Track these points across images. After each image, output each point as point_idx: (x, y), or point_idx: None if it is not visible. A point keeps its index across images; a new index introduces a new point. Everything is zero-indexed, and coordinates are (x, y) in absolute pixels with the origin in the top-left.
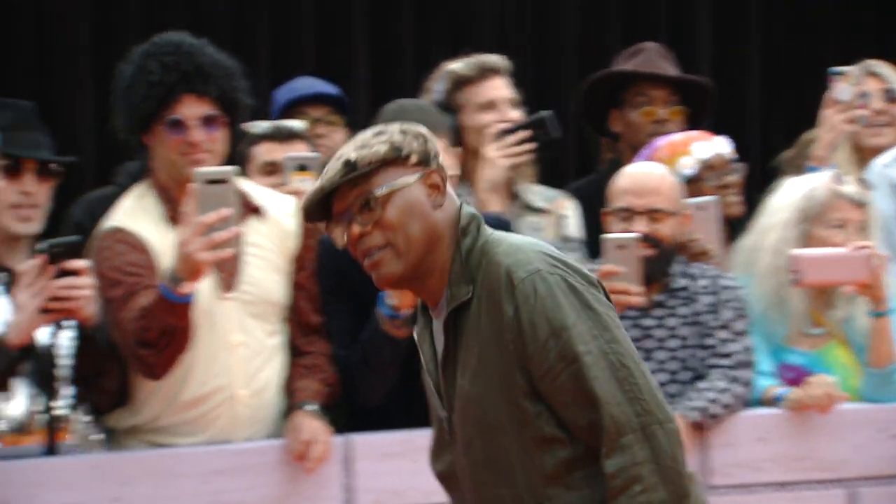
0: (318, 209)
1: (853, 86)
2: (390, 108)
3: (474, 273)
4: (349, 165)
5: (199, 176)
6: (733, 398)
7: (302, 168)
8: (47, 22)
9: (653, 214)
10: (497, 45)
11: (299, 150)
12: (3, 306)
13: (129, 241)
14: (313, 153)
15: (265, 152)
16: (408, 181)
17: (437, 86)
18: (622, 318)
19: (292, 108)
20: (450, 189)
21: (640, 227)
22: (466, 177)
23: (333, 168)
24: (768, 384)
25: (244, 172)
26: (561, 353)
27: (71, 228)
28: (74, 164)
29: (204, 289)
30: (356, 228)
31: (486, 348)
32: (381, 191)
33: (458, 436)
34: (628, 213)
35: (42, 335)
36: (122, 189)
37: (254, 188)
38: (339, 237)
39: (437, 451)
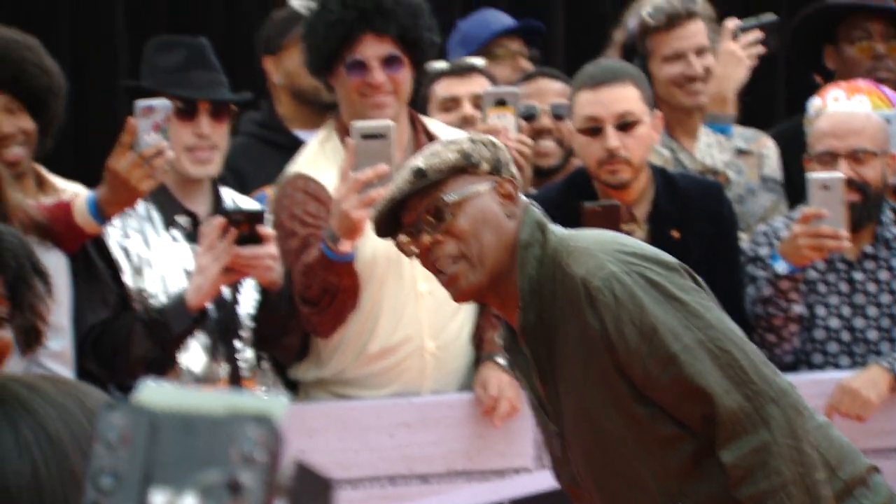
0: (388, 221)
1: None
2: (587, 71)
3: (549, 286)
4: (419, 174)
5: (356, 130)
6: None
7: (500, 103)
8: None
9: (856, 156)
10: None
11: (479, 86)
12: (187, 253)
13: (308, 189)
14: (512, 87)
15: (444, 88)
16: (479, 189)
17: (628, 25)
18: (829, 265)
19: (490, 42)
20: (521, 198)
21: (844, 170)
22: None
23: (402, 178)
24: None
25: (425, 111)
26: (655, 357)
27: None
28: (251, 102)
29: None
30: (427, 238)
31: (582, 363)
32: (451, 198)
33: (576, 452)
34: (830, 157)
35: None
36: (251, 139)
37: (442, 129)
38: (410, 249)
39: (557, 464)
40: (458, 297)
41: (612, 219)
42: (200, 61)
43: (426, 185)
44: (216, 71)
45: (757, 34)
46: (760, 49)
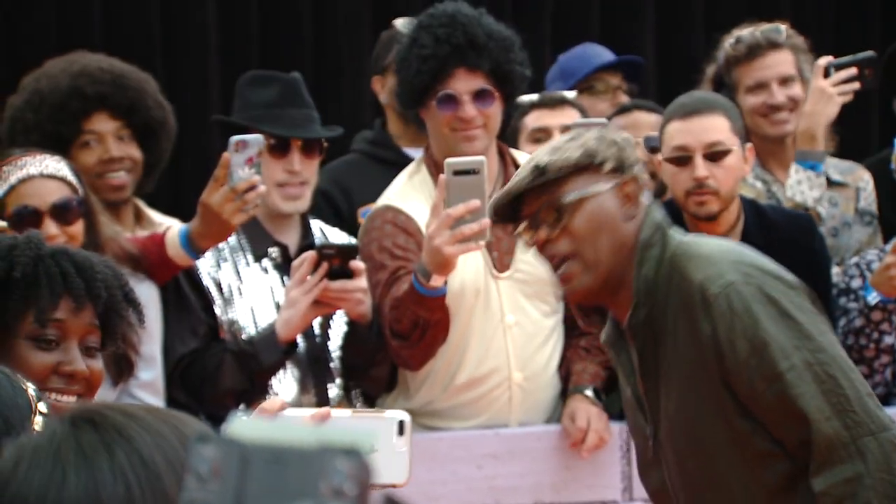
0: (508, 210)
1: None
2: (678, 101)
3: (664, 287)
4: (539, 170)
5: (449, 166)
6: None
7: None
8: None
9: None
10: (792, 11)
11: (570, 118)
12: (277, 284)
13: (397, 222)
14: (600, 119)
15: (535, 119)
16: (600, 189)
17: (718, 59)
18: None
19: (591, 75)
20: (643, 199)
21: None
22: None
23: (524, 172)
24: None
25: (515, 143)
26: (763, 372)
27: (317, 197)
28: (342, 137)
29: (478, 268)
30: (543, 233)
31: (689, 368)
32: (570, 198)
33: (668, 455)
34: None
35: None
36: (362, 156)
37: None
38: (527, 240)
39: (646, 467)
40: (571, 296)
41: None
42: (293, 97)
43: (546, 182)
44: (309, 107)
45: (851, 72)
46: (854, 86)
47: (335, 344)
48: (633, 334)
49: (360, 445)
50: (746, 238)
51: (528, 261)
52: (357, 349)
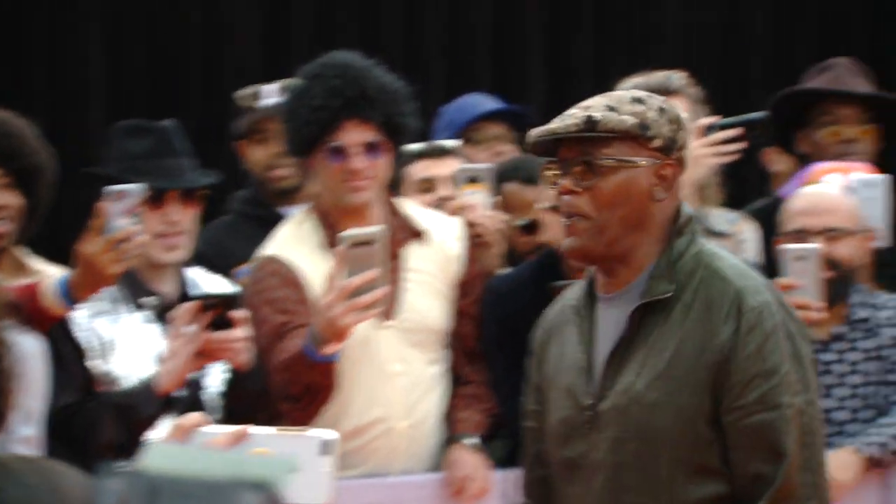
0: (544, 146)
1: None
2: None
3: (683, 277)
4: (590, 123)
5: (346, 239)
6: None
7: (472, 180)
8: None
9: (830, 234)
10: (681, 60)
11: (454, 168)
12: (155, 334)
13: (281, 273)
14: (485, 164)
15: (420, 170)
16: (639, 161)
17: None
18: None
19: (470, 125)
20: (679, 185)
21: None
22: None
23: (575, 116)
24: None
25: (400, 192)
26: (764, 396)
27: (195, 260)
28: (219, 185)
29: None
30: (569, 183)
31: (682, 358)
32: (607, 162)
33: (606, 431)
34: (803, 235)
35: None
36: (238, 216)
37: (418, 211)
38: (552, 183)
39: (565, 436)
40: (570, 252)
41: None
42: (167, 147)
43: (591, 136)
44: (184, 156)
45: (730, 133)
46: (737, 147)
47: (215, 391)
48: (638, 310)
49: (269, 479)
50: None
51: (414, 309)
52: (239, 396)
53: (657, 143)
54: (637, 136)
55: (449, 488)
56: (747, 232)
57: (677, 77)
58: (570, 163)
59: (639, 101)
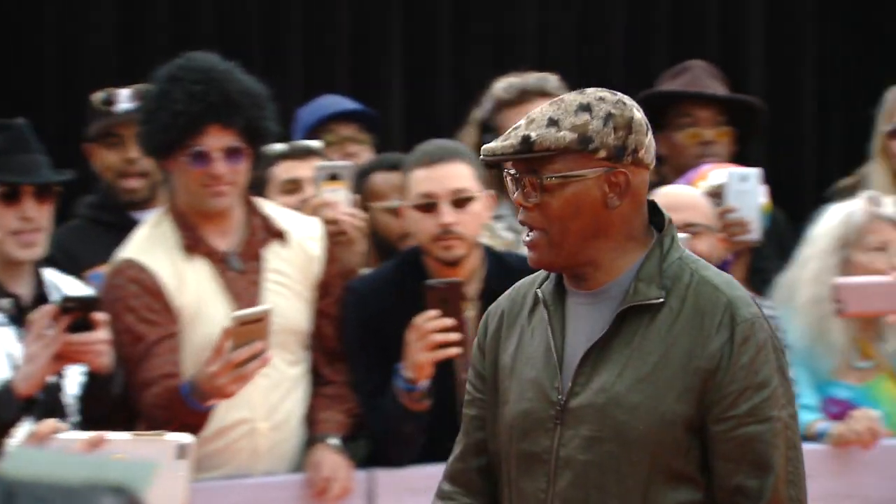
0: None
1: None
2: (421, 149)
3: (669, 281)
4: (526, 144)
5: (236, 319)
6: None
7: (333, 178)
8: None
9: (688, 229)
10: (539, 62)
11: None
12: (9, 337)
13: (140, 280)
14: (344, 162)
15: (284, 171)
16: (585, 174)
17: (485, 104)
18: None
19: (320, 126)
20: (638, 187)
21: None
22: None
23: (514, 136)
24: (811, 419)
25: (263, 193)
26: (754, 408)
27: (44, 264)
28: (74, 181)
29: (223, 318)
30: (521, 198)
31: (669, 363)
32: (551, 180)
33: (578, 428)
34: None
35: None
36: (85, 220)
37: (277, 211)
38: (510, 190)
39: (530, 430)
40: (533, 264)
41: (454, 296)
42: (21, 144)
43: (530, 157)
44: (37, 152)
45: None
46: None
47: (72, 394)
48: (612, 305)
49: (128, 483)
50: (489, 283)
51: (274, 310)
52: (97, 400)
53: (603, 153)
54: (579, 151)
55: (311, 489)
56: None
57: (553, 79)
58: (519, 179)
59: (585, 108)
